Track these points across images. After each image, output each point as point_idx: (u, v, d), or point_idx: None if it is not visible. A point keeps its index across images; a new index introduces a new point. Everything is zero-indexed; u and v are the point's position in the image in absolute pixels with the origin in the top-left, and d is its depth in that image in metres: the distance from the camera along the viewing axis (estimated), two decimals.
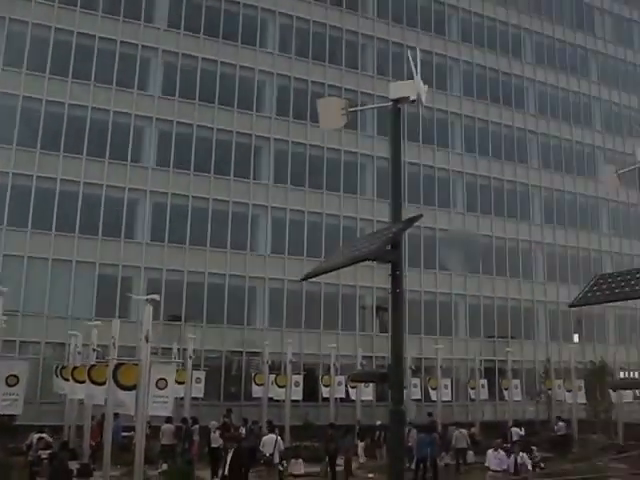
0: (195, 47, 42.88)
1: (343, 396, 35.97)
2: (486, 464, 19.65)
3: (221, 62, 43.44)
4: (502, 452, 19.35)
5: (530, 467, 20.17)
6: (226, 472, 14.69)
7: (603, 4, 60.90)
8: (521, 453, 19.84)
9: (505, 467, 19.10)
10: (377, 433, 30.02)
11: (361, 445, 28.55)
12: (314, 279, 10.85)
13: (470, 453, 28.00)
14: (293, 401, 33.70)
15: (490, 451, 19.66)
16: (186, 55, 42.59)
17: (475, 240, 49.33)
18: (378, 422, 30.55)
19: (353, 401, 35.22)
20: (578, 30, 58.81)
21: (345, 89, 46.20)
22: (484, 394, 38.99)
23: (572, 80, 57.37)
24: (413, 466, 25.44)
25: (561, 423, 34.54)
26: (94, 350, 24.89)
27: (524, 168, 53.23)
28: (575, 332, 53.23)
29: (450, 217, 48.97)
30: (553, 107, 55.95)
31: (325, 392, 35.87)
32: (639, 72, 61.83)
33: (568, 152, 55.85)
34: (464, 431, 28.66)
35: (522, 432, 31.27)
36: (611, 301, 12.67)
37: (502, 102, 53.31)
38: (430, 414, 32.16)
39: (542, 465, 25.20)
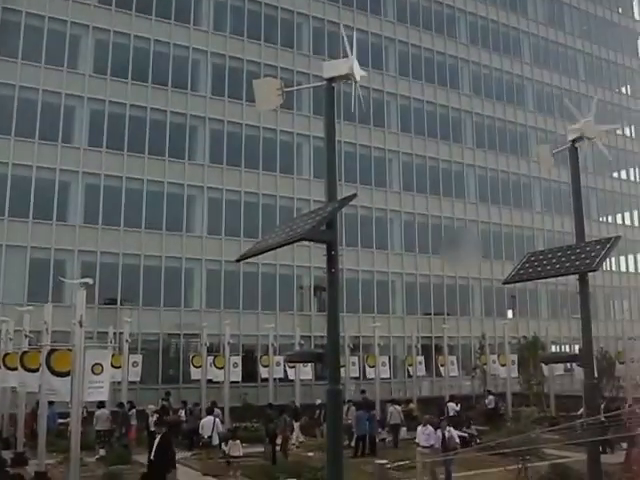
0: (127, 24, 41.86)
1: (282, 376, 36.05)
2: (416, 440, 19.97)
3: (154, 40, 42.56)
4: (430, 428, 19.63)
5: (458, 441, 20.56)
6: (152, 457, 14.44)
7: None
8: (448, 427, 20.17)
9: (433, 442, 19.41)
10: (317, 412, 30.20)
11: (296, 425, 28.61)
12: (251, 259, 10.79)
13: (403, 429, 28.45)
14: (232, 382, 33.58)
15: (419, 427, 19.95)
16: (118, 33, 41.53)
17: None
18: (318, 401, 30.71)
19: (292, 381, 35.28)
20: (511, 11, 59.62)
21: (281, 68, 45.89)
22: (421, 370, 39.56)
23: (505, 61, 58.24)
24: (352, 443, 25.76)
25: (491, 397, 35.33)
26: (26, 336, 24.22)
27: (459, 147, 53.92)
28: (509, 308, 54.48)
29: (387, 196, 49.31)
30: (487, 87, 56.74)
31: (264, 372, 35.85)
32: (570, 54, 63.11)
33: (502, 132, 56.80)
34: (398, 407, 29.06)
35: (458, 407, 31.87)
36: (542, 278, 12.98)
37: (437, 82, 53.77)
38: (363, 391, 32.57)
39: (478, 440, 25.73)
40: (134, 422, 26.74)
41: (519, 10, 60.24)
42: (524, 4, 60.94)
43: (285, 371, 35.61)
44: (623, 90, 67.32)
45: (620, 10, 68.74)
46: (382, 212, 48.80)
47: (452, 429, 20.31)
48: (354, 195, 9.37)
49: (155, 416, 24.98)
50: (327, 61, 10.29)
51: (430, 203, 51.16)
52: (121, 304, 38.58)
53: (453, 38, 55.68)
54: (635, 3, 70.47)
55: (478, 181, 54.62)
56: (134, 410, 27.14)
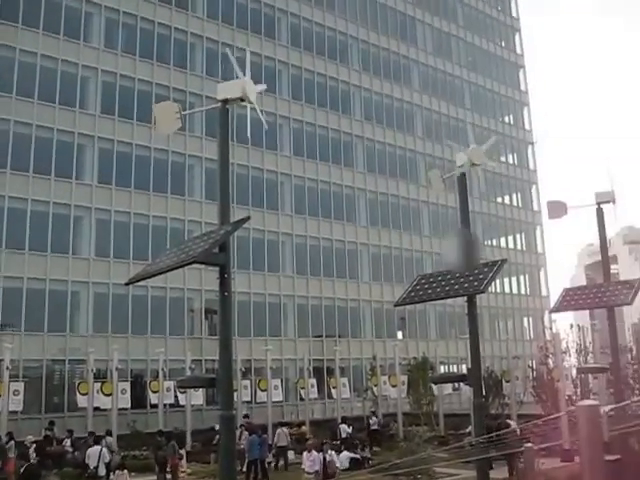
0: (12, 38, 40.24)
1: (172, 402, 35.26)
2: (302, 466, 19.86)
3: (41, 55, 41.10)
4: (315, 453, 19.56)
5: (339, 465, 20.66)
6: None
7: (425, 18, 63.94)
8: (330, 451, 20.20)
9: (317, 468, 19.34)
10: (217, 437, 29.52)
11: (181, 452, 27.83)
12: (141, 282, 10.51)
13: (291, 451, 28.41)
14: (120, 409, 32.57)
15: (305, 453, 19.80)
16: (2, 45, 39.88)
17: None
18: (217, 426, 30.07)
19: (183, 406, 34.59)
20: (402, 40, 61.37)
21: (173, 88, 45.38)
22: (313, 393, 39.63)
23: (396, 88, 59.76)
24: (244, 468, 25.40)
25: (375, 418, 35.71)
26: None
27: (350, 171, 54.75)
28: (399, 329, 55.49)
29: (279, 219, 49.40)
30: (378, 113, 58.00)
31: (154, 398, 34.96)
32: (457, 83, 65.54)
33: (392, 157, 58.11)
34: (285, 430, 29.01)
35: (349, 430, 32.04)
36: (432, 300, 13.30)
37: (329, 107, 54.55)
38: (246, 416, 32.30)
39: (370, 461, 25.93)
40: (12, 455, 25.38)
41: (409, 39, 62.10)
42: (414, 34, 62.90)
43: (176, 396, 34.86)
44: (506, 119, 70.40)
45: (503, 44, 72.12)
46: (274, 235, 48.83)
47: (333, 453, 20.35)
48: (247, 218, 9.33)
49: (33, 447, 23.81)
50: (221, 83, 10.25)
51: (322, 226, 51.61)
52: (2, 329, 36.81)
53: (345, 64, 56.73)
54: (517, 38, 74.10)
55: (369, 205, 55.57)
56: (12, 442, 25.78)
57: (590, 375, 28.26)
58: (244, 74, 9.77)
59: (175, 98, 42.95)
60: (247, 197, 46.42)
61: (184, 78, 46.67)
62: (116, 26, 44.97)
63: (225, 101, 9.89)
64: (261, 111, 10.40)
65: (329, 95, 54.87)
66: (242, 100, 9.85)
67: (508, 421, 25.19)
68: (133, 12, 45.30)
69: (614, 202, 16.58)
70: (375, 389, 40.20)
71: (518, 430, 23.32)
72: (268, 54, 51.10)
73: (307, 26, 54.77)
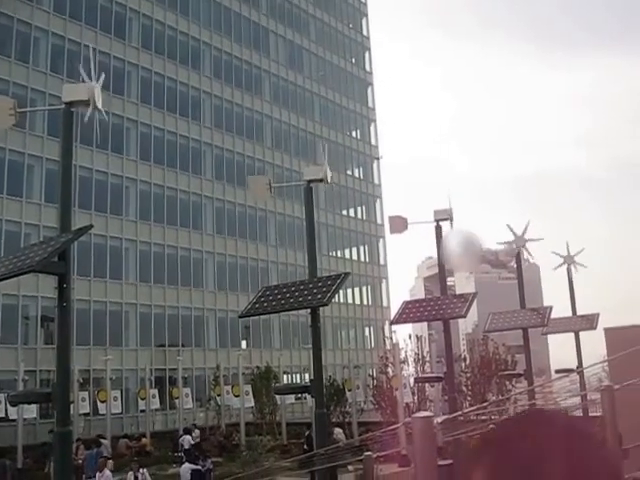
0: None
1: (2, 415, 33.26)
2: None
3: None
4: (107, 472, 18.83)
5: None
6: None
7: (277, 29, 64.55)
8: (141, 469, 19.66)
9: None
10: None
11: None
12: None
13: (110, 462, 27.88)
14: None
15: (97, 473, 18.88)
16: None
17: None
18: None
19: (14, 420, 32.71)
20: (254, 50, 61.60)
21: (13, 83, 43.01)
22: (155, 404, 38.81)
23: (246, 97, 59.86)
24: None
25: (197, 430, 35.31)
26: None
27: (198, 178, 54.20)
28: (243, 339, 55.45)
29: (122, 225, 48.03)
30: (228, 121, 57.82)
31: None
32: (307, 95, 66.60)
33: (240, 166, 58.04)
34: (106, 442, 28.31)
35: (193, 441, 31.58)
36: (277, 312, 13.45)
37: (179, 112, 53.75)
38: (51, 431, 31.15)
39: (212, 473, 25.66)
40: None
41: (262, 50, 62.45)
42: (267, 44, 63.33)
43: (6, 409, 32.89)
44: (354, 134, 72.35)
45: (354, 60, 74.14)
46: (117, 241, 47.39)
47: (145, 471, 19.87)
48: (90, 226, 9.04)
49: None
50: (67, 83, 9.91)
51: (167, 233, 50.69)
52: None
53: (197, 70, 56.14)
54: (367, 56, 76.46)
55: (215, 213, 55.24)
56: None
57: (427, 383, 29.49)
58: (97, 80, 9.45)
59: (15, 93, 40.75)
60: (90, 201, 44.76)
61: (26, 73, 44.37)
62: None
63: (70, 103, 9.52)
64: (101, 115, 10.07)
65: (179, 100, 54.09)
66: (88, 104, 9.52)
67: (335, 428, 25.76)
68: None
69: (451, 219, 17.46)
70: (218, 399, 39.94)
71: (342, 436, 24.09)
72: (117, 54, 49.65)
73: (159, 29, 53.74)
